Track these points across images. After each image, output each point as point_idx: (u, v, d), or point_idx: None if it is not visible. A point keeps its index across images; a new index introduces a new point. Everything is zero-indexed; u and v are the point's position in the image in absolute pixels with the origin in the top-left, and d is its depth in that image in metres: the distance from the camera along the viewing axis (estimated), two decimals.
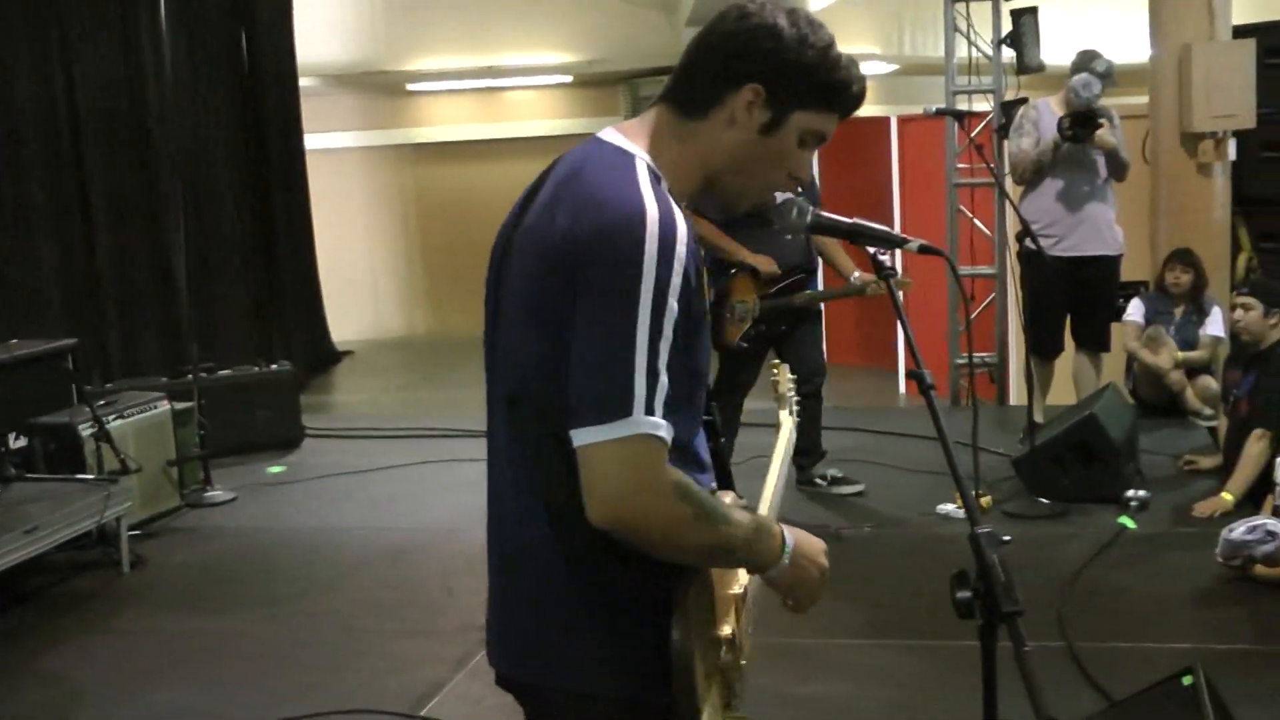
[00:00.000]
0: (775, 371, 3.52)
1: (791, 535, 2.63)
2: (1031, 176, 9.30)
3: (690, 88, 2.60)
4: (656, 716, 2.47)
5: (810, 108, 2.57)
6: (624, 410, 2.30)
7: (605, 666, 2.53)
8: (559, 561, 2.53)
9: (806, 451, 8.45)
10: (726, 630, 2.67)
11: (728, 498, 2.71)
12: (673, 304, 2.33)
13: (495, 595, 2.70)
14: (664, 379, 2.32)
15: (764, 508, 3.02)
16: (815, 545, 2.70)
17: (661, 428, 2.32)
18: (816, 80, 2.55)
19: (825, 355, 8.61)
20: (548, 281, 2.42)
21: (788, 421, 3.43)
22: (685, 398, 2.51)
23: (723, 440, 3.00)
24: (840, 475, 8.53)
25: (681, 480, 2.38)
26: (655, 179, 2.48)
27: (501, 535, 2.65)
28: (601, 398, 2.32)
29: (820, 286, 9.15)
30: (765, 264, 7.95)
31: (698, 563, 2.49)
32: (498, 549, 2.66)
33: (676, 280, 2.34)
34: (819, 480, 8.49)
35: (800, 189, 2.76)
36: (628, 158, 2.52)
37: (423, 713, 5.72)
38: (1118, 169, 9.28)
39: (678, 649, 2.41)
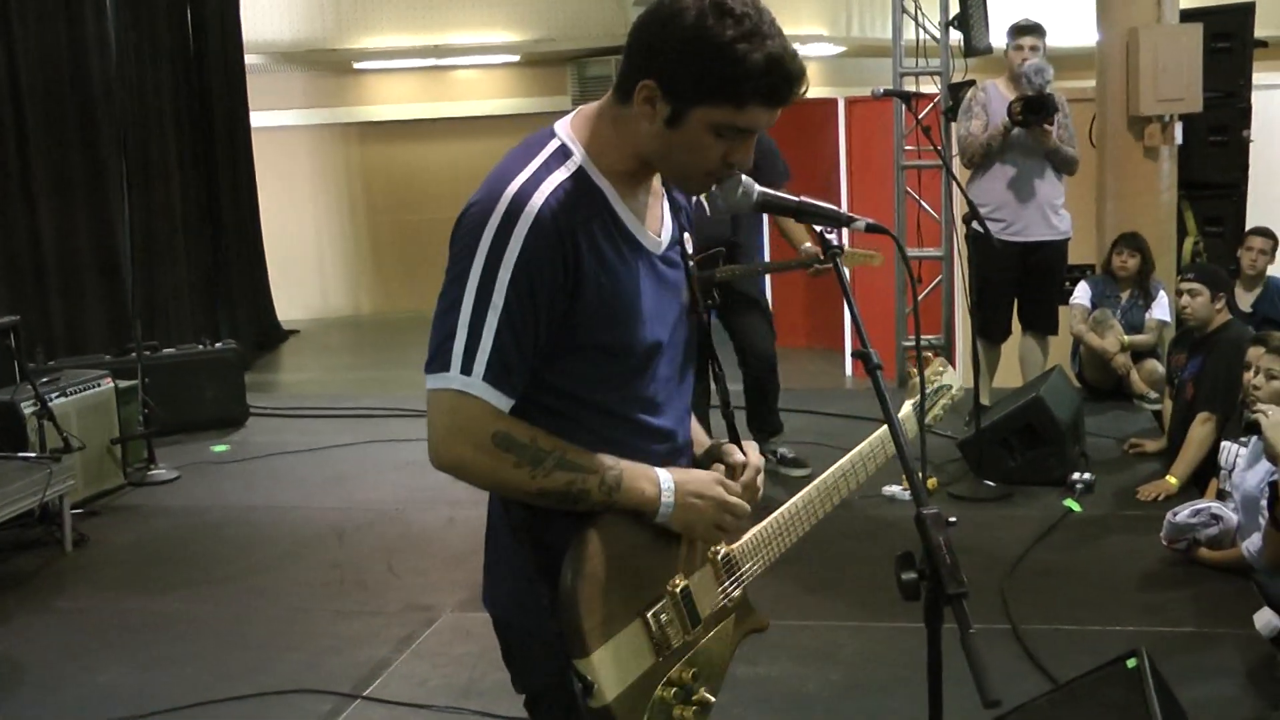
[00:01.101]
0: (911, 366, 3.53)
1: (673, 478, 2.75)
2: (980, 160, 9.30)
3: (619, 74, 2.65)
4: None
5: (709, 103, 2.54)
6: (443, 365, 2.56)
7: (544, 614, 2.64)
8: (507, 527, 2.75)
9: (761, 420, 8.49)
10: (676, 583, 2.79)
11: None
12: (504, 276, 2.51)
13: (486, 550, 2.90)
14: (488, 342, 2.52)
15: (830, 470, 3.24)
16: (702, 480, 2.82)
17: (476, 386, 2.54)
18: (708, 76, 2.52)
19: (769, 340, 8.52)
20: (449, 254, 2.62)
21: (907, 407, 3.45)
22: (602, 371, 2.71)
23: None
24: (791, 456, 8.49)
25: (508, 432, 2.58)
26: (560, 158, 2.63)
27: (489, 500, 2.85)
28: (432, 351, 2.59)
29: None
30: None
31: (550, 504, 2.64)
32: (490, 511, 2.87)
33: (512, 255, 2.51)
34: (769, 454, 8.45)
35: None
36: (544, 139, 2.68)
37: (366, 693, 5.71)
38: (1065, 164, 9.28)
39: (564, 586, 2.57)
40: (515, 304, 2.51)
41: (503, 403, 2.56)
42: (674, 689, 2.73)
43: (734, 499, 2.83)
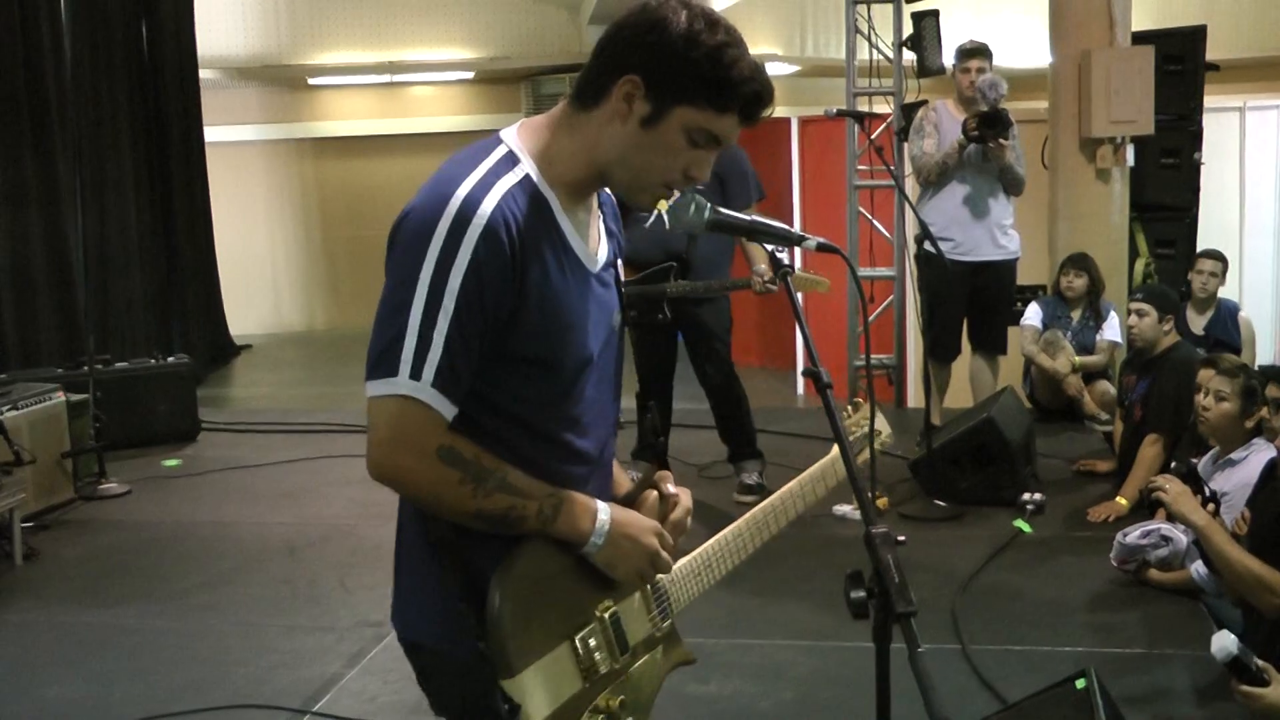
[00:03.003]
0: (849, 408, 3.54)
1: (610, 515, 2.73)
2: (937, 178, 9.31)
3: (585, 79, 2.65)
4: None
5: (693, 103, 2.57)
6: (390, 370, 2.49)
7: (464, 629, 2.61)
8: (426, 547, 2.68)
9: (727, 440, 8.47)
10: (605, 608, 2.77)
11: (624, 479, 2.95)
12: (454, 282, 2.47)
13: (395, 567, 2.84)
14: (438, 347, 2.47)
15: (763, 505, 3.23)
16: (641, 525, 2.80)
17: (425, 392, 2.49)
18: (699, 75, 2.55)
19: (714, 365, 8.34)
20: (386, 259, 2.58)
21: (835, 451, 3.39)
22: (530, 385, 2.66)
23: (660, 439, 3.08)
24: (752, 483, 8.29)
25: (453, 446, 2.53)
26: (507, 165, 2.60)
27: (400, 514, 2.80)
28: (376, 356, 2.52)
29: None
30: None
31: (484, 526, 2.60)
32: (402, 530, 2.81)
33: (463, 261, 2.47)
34: (746, 483, 8.33)
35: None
36: (490, 146, 2.66)
37: (315, 709, 5.68)
38: (1013, 183, 9.32)
39: (491, 608, 2.55)
40: (465, 311, 2.48)
41: (449, 412, 2.51)
42: (600, 716, 2.71)
43: (664, 555, 2.82)
